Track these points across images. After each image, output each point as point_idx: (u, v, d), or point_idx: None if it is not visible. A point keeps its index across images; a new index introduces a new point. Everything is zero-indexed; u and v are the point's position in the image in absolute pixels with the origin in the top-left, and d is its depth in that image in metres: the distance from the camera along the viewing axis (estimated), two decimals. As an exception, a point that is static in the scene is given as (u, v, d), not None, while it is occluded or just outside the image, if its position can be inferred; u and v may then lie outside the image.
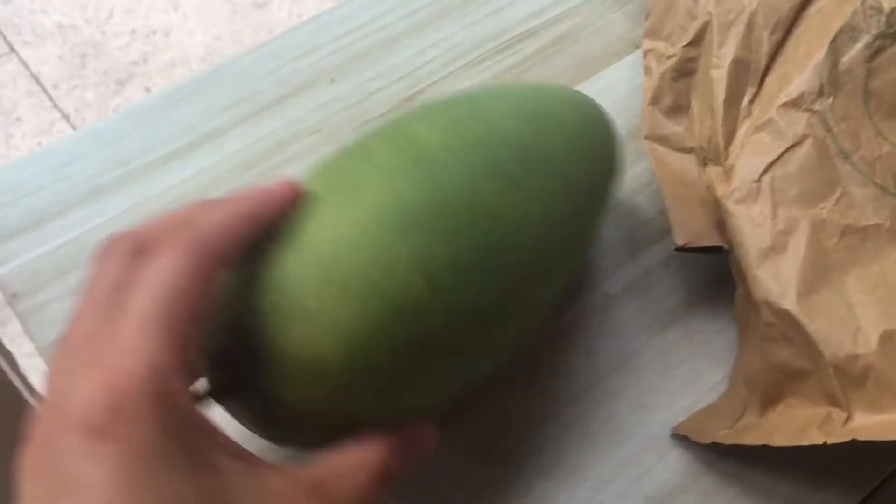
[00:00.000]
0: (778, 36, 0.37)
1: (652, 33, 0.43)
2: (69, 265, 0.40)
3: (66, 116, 1.52)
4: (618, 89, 0.47)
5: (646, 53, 0.42)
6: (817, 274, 0.32)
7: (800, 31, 0.37)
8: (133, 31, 1.62)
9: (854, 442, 0.29)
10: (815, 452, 0.33)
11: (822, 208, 0.33)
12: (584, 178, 0.32)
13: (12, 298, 0.39)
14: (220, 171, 0.44)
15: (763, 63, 0.37)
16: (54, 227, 0.42)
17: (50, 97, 1.55)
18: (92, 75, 1.58)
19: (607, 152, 0.35)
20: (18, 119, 1.53)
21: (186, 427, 0.21)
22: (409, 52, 0.48)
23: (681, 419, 0.36)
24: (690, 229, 0.36)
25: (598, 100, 0.47)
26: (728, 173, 0.36)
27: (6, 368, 0.47)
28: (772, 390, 0.33)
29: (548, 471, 0.35)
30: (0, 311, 1.21)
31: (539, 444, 0.36)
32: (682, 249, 0.36)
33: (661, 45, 0.42)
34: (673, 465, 0.36)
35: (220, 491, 0.21)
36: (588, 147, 0.33)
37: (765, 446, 0.31)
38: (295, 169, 0.44)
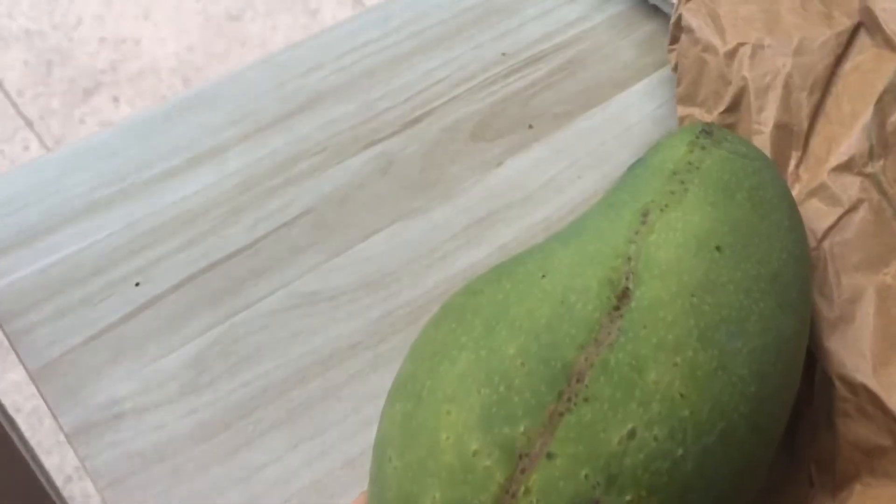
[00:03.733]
0: (816, 96, 0.37)
1: (685, 99, 0.41)
2: (61, 285, 0.38)
3: (29, 124, 1.48)
4: (627, 118, 0.46)
5: (681, 121, 0.41)
6: (890, 344, 0.31)
7: (838, 90, 0.37)
8: (102, 39, 1.58)
9: None
10: None
11: (885, 274, 0.32)
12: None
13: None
14: (223, 190, 0.42)
15: (805, 125, 0.37)
16: (46, 245, 0.40)
17: (14, 104, 1.51)
18: (58, 83, 1.54)
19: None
20: (-20, 125, 1.48)
21: None
22: (417, 71, 0.47)
23: None
24: None
25: (607, 129, 0.46)
26: None
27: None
28: (847, 469, 0.31)
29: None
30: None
31: None
32: None
33: (696, 112, 0.40)
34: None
35: None
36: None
37: None
38: (298, 189, 0.42)
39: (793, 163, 0.37)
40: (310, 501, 0.33)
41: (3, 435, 0.52)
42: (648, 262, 0.27)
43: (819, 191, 0.35)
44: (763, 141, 0.37)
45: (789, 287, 0.29)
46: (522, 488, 0.23)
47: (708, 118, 0.39)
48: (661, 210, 0.29)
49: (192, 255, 0.40)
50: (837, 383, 0.32)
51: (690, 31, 0.41)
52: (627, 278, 0.27)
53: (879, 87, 0.34)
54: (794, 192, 0.36)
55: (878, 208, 0.34)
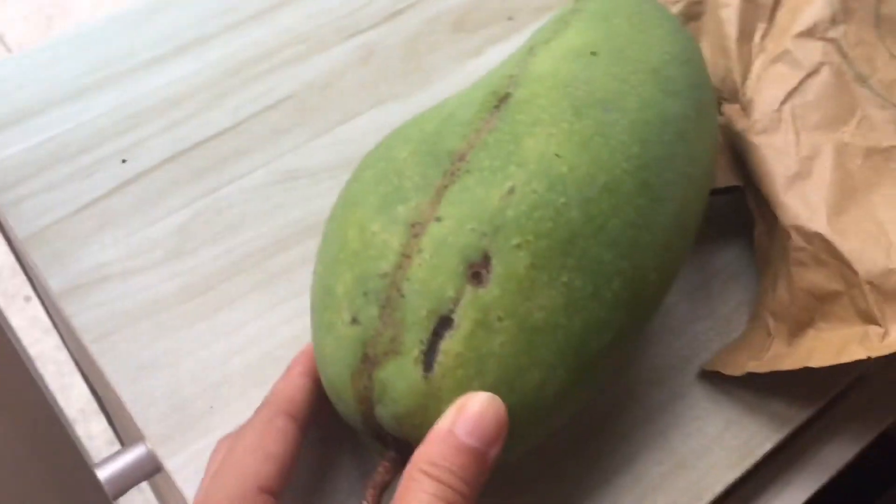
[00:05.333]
0: None
1: None
2: (50, 162, 0.39)
3: (30, 77, 1.49)
4: (607, 10, 0.47)
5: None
6: (845, 195, 0.33)
7: None
8: (101, -7, 1.59)
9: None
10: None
11: (843, 132, 0.34)
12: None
13: (-9, 191, 0.38)
14: (206, 77, 0.43)
15: None
16: (35, 125, 0.41)
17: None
18: (58, 37, 1.54)
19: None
20: (-19, 79, 1.49)
21: None
22: (399, -33, 0.47)
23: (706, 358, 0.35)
24: None
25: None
26: (747, 108, 0.36)
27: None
28: (801, 316, 0.33)
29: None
30: None
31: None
32: None
33: None
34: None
35: None
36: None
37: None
38: (281, 76, 0.43)
39: (758, 35, 0.38)
40: (289, 355, 0.35)
41: (26, 373, 0.54)
42: (529, 74, 0.30)
43: (782, 56, 0.36)
44: (730, 14, 0.38)
45: (673, 80, 0.31)
46: (416, 249, 0.26)
47: None
48: (545, 43, 0.31)
49: (176, 135, 0.41)
50: (793, 234, 0.33)
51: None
52: (509, 87, 0.29)
53: (843, -45, 0.35)
54: (759, 63, 0.37)
55: (838, 71, 0.35)
